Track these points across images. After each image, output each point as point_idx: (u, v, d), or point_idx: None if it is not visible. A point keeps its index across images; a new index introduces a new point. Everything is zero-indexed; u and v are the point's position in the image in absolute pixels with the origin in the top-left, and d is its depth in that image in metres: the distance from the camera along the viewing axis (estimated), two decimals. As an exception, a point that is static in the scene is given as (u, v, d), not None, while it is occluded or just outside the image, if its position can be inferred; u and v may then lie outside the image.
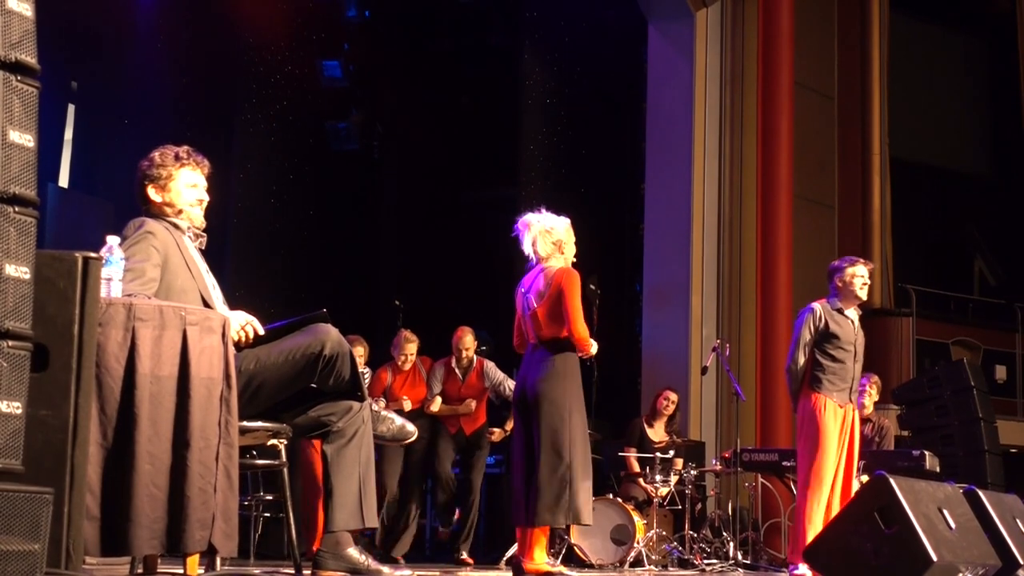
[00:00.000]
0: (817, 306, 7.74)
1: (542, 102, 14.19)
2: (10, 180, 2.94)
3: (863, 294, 7.73)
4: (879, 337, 13.13)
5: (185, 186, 4.67)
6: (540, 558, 6.55)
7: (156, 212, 4.64)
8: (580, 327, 6.57)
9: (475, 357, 9.75)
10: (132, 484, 3.64)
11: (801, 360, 7.68)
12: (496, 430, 9.85)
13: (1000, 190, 15.90)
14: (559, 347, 6.62)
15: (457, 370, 9.71)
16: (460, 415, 9.71)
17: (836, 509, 7.41)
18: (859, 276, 7.69)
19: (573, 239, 6.81)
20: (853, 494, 7.58)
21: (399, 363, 9.67)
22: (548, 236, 6.72)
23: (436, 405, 9.70)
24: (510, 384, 9.38)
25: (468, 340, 9.64)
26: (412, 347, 9.66)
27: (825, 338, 7.64)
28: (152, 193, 4.64)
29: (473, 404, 9.70)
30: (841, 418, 7.61)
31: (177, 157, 4.67)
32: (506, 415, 9.69)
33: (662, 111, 12.87)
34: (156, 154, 4.69)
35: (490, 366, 9.73)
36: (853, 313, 7.77)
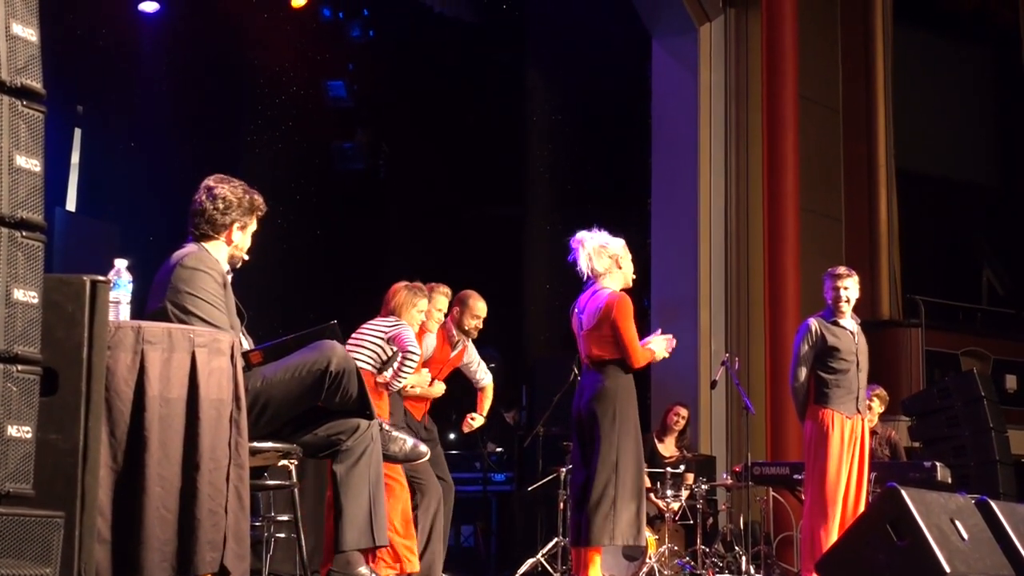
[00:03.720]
0: (812, 322, 7.86)
1: (547, 119, 14.22)
2: (17, 205, 2.96)
3: (845, 308, 7.78)
4: (888, 349, 13.09)
5: (251, 235, 4.78)
6: (595, 574, 6.59)
7: (221, 245, 4.68)
8: (637, 356, 6.60)
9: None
10: (143, 507, 3.64)
11: (802, 376, 7.80)
12: (476, 416, 8.02)
13: (1007, 200, 15.87)
14: (611, 368, 6.64)
15: (450, 341, 7.86)
16: (432, 397, 7.74)
17: (850, 519, 7.43)
18: (834, 289, 7.78)
19: (630, 257, 6.80)
20: (864, 506, 7.61)
21: (426, 323, 7.48)
22: (604, 251, 6.71)
23: (428, 383, 7.55)
24: (484, 369, 8.12)
25: (483, 306, 7.91)
26: (445, 304, 7.68)
27: (824, 352, 7.72)
28: (235, 232, 4.70)
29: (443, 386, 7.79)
30: (849, 429, 7.64)
31: (260, 208, 4.78)
32: (473, 400, 8.26)
33: (667, 126, 12.87)
34: (240, 193, 4.72)
35: (471, 346, 8.05)
36: (850, 323, 7.82)
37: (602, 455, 6.52)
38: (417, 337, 7.14)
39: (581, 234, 6.80)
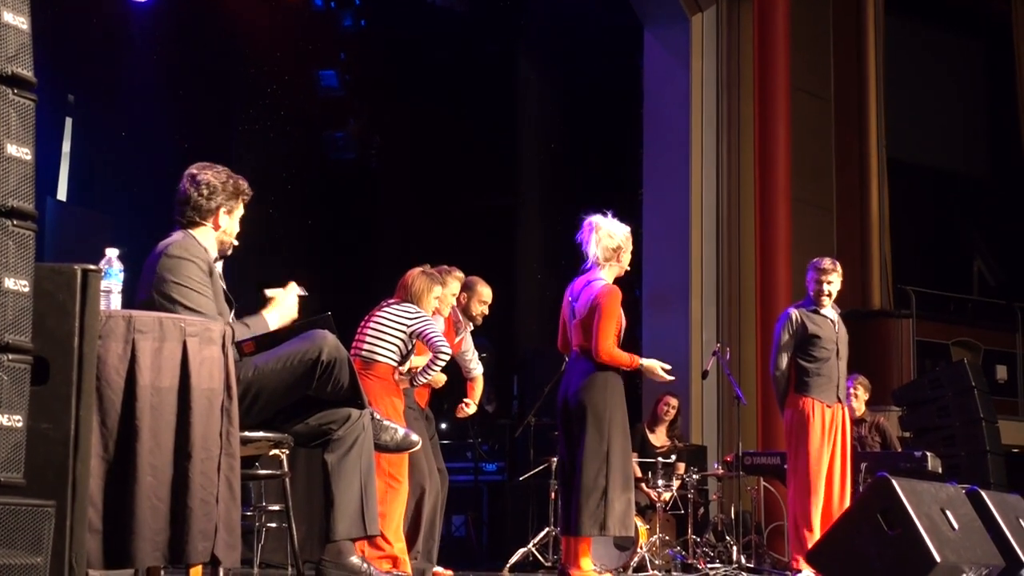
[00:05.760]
0: (793, 311, 7.95)
1: (538, 109, 14.21)
2: (8, 193, 2.95)
3: (825, 301, 7.82)
4: (879, 339, 13.12)
5: (239, 219, 4.74)
6: (587, 566, 6.59)
7: (209, 232, 4.66)
8: (605, 348, 6.54)
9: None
10: (134, 496, 3.64)
11: (783, 364, 7.88)
12: (470, 404, 7.76)
13: (998, 190, 15.89)
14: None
15: (455, 328, 7.69)
16: (436, 385, 7.38)
17: (836, 508, 7.48)
18: (817, 282, 7.83)
19: (631, 247, 6.78)
20: (852, 494, 7.65)
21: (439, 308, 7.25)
22: (610, 241, 6.69)
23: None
24: (477, 360, 7.96)
25: (490, 292, 7.79)
26: (458, 288, 7.58)
27: (806, 341, 7.79)
28: (222, 216, 4.66)
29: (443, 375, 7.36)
30: (829, 417, 7.70)
31: (246, 192, 4.74)
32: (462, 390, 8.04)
33: (659, 116, 12.87)
34: (225, 178, 4.69)
35: (468, 335, 7.90)
36: (831, 312, 7.86)
37: (591, 444, 6.49)
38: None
39: (595, 217, 6.76)
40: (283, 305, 4.74)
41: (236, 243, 4.74)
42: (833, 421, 7.72)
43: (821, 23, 13.73)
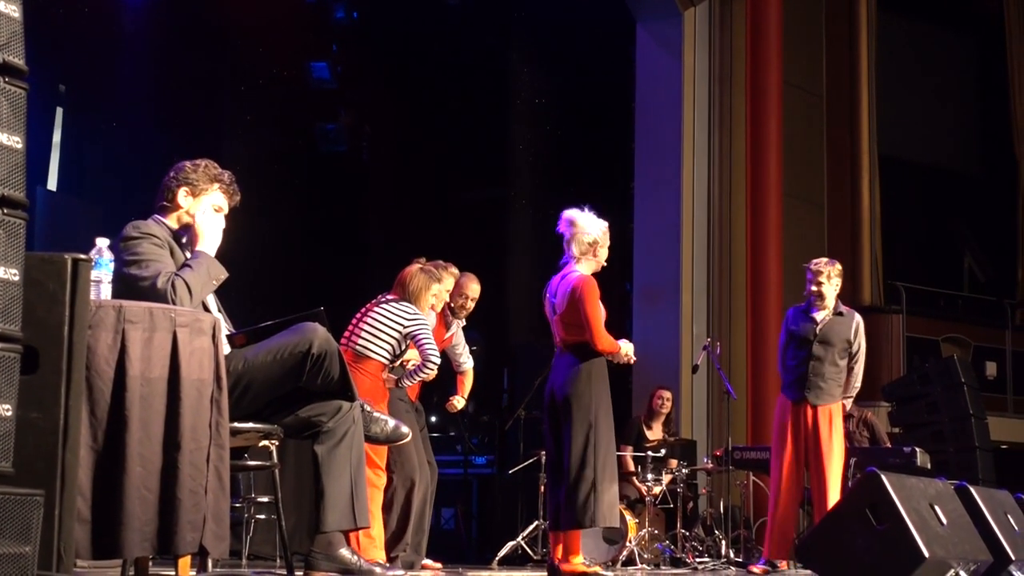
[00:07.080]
0: (790, 311, 8.15)
1: (531, 102, 14.20)
2: (-1, 182, 2.94)
3: (817, 302, 7.87)
4: (869, 334, 13.11)
5: (212, 206, 4.66)
6: (576, 559, 6.59)
7: (173, 216, 4.63)
8: (601, 338, 6.55)
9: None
10: (123, 486, 3.63)
11: (780, 362, 8.12)
12: (459, 398, 8.05)
13: (988, 187, 15.93)
14: (585, 351, 6.62)
15: (445, 322, 7.80)
16: (426, 379, 7.17)
17: (816, 508, 7.60)
18: (808, 283, 7.97)
19: (607, 242, 6.77)
20: (842, 490, 7.70)
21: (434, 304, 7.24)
22: (586, 236, 6.68)
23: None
24: (468, 354, 8.16)
25: (476, 288, 7.86)
26: (452, 284, 7.64)
27: (789, 339, 7.97)
28: (182, 196, 4.62)
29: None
30: (794, 416, 7.76)
31: (218, 177, 4.68)
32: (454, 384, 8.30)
33: (651, 110, 12.87)
34: (201, 162, 4.69)
35: (460, 330, 8.03)
36: (823, 312, 7.88)
37: (578, 437, 6.50)
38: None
39: (571, 213, 6.75)
40: (210, 230, 4.61)
41: (206, 232, 4.58)
42: (801, 420, 7.77)
43: (814, 19, 13.75)
